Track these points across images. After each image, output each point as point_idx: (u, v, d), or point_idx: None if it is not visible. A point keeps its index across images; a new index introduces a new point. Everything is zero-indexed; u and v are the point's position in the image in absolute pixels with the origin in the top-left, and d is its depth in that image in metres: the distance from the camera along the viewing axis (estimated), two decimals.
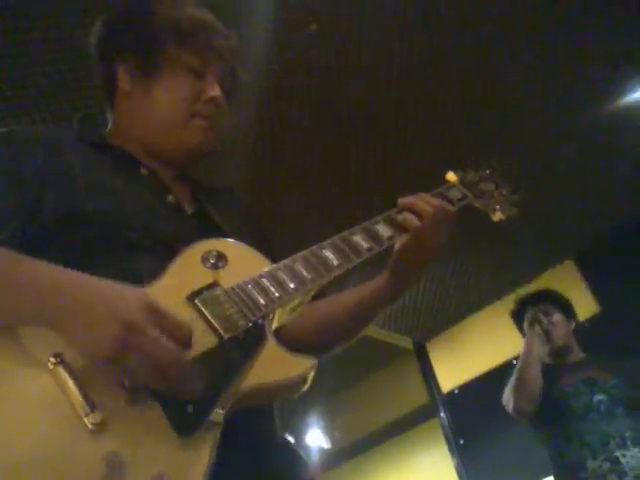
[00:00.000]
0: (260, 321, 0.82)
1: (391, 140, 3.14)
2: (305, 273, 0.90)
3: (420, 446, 5.34)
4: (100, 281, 0.72)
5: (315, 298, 1.09)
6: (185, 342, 0.71)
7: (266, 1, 2.39)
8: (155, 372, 0.67)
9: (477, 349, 4.65)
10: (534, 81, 3.00)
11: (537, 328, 2.67)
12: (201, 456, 0.69)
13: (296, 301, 0.91)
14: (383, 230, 1.03)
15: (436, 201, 1.06)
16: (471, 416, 4.36)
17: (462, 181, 1.23)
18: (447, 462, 4.67)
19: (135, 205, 0.94)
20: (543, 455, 2.61)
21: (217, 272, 0.85)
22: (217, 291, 0.82)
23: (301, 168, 3.18)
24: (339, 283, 1.05)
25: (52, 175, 0.90)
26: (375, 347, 4.65)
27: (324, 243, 0.97)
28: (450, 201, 1.15)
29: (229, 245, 0.92)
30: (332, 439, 5.64)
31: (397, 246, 1.05)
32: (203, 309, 0.79)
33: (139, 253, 0.88)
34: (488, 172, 1.29)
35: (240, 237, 0.96)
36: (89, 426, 0.65)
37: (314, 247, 0.95)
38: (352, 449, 5.67)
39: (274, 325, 0.87)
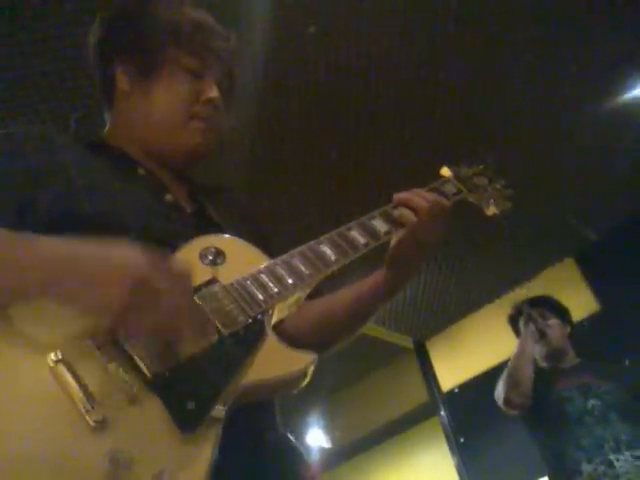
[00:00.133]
0: (259, 317, 0.83)
1: (389, 139, 3.14)
2: (303, 268, 0.90)
3: (420, 445, 5.35)
4: (102, 246, 0.72)
5: (311, 297, 1.09)
6: (189, 288, 0.73)
7: (264, 0, 2.39)
8: (170, 315, 0.68)
9: (477, 348, 4.65)
10: (534, 79, 3.00)
11: (531, 326, 2.71)
12: (203, 452, 0.70)
13: (295, 296, 0.92)
14: (380, 225, 1.03)
15: (431, 196, 1.06)
16: (471, 415, 4.36)
17: (456, 176, 1.23)
18: (447, 461, 4.68)
19: (133, 205, 0.94)
20: None
21: (216, 268, 0.86)
22: (216, 287, 0.83)
23: (299, 167, 3.18)
24: (338, 280, 1.05)
25: (47, 176, 0.90)
26: (375, 346, 4.65)
27: (321, 238, 0.97)
28: (445, 196, 1.15)
29: (227, 241, 0.93)
30: (332, 438, 5.64)
31: (394, 241, 1.06)
32: (202, 305, 0.79)
33: None
34: (482, 167, 1.29)
35: (238, 235, 0.96)
36: (91, 423, 0.66)
37: (311, 242, 0.96)
38: (352, 448, 5.67)
39: (273, 321, 0.88)
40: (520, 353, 2.63)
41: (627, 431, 2.39)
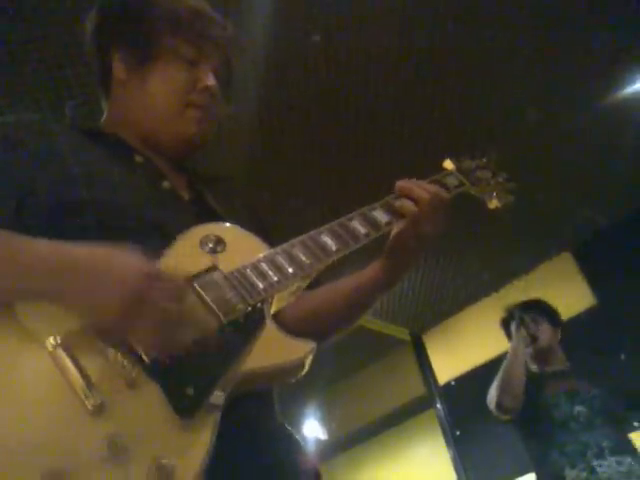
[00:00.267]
0: (259, 305, 0.83)
1: (390, 131, 3.13)
2: (304, 258, 0.90)
3: (416, 437, 5.37)
4: (103, 250, 0.74)
5: (311, 287, 1.09)
6: (184, 295, 0.75)
7: None
8: (167, 321, 0.71)
9: (474, 341, 4.66)
10: (533, 76, 3.00)
11: (523, 331, 2.76)
12: (201, 438, 0.70)
13: (294, 286, 0.92)
14: (380, 216, 1.03)
15: (433, 187, 1.06)
16: (467, 408, 4.37)
17: (459, 169, 1.23)
18: (443, 453, 4.70)
19: (130, 192, 0.94)
20: None
21: (216, 256, 0.85)
22: (216, 275, 0.83)
23: (300, 159, 3.17)
24: (338, 270, 1.05)
25: (44, 164, 0.90)
26: (372, 338, 4.67)
27: (322, 228, 0.97)
28: (447, 188, 1.15)
29: (227, 229, 0.92)
30: (329, 430, 5.66)
31: (394, 232, 1.06)
32: (202, 293, 0.79)
33: (136, 239, 0.88)
34: (485, 160, 1.29)
35: (238, 224, 0.96)
36: (89, 408, 0.66)
37: (312, 232, 0.96)
38: (349, 440, 5.69)
39: (272, 309, 0.88)
40: (513, 359, 2.67)
41: (612, 437, 2.44)
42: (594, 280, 4.22)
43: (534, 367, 2.78)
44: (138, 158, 1.04)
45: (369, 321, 4.52)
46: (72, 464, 0.62)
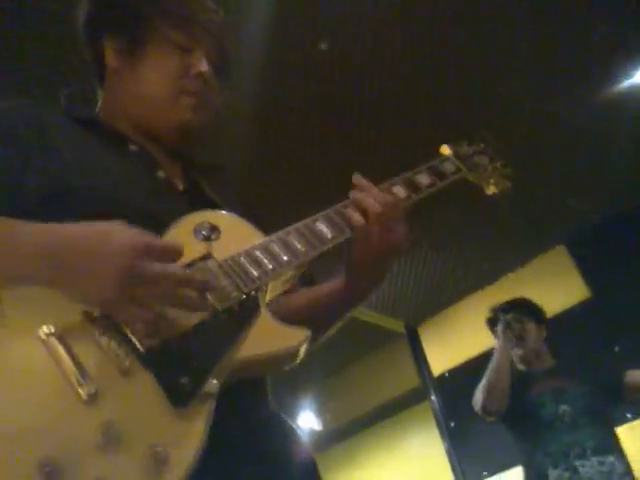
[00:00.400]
0: (254, 293, 0.82)
1: (390, 126, 3.13)
2: (299, 246, 0.90)
3: (411, 429, 5.39)
4: (94, 228, 0.74)
5: (306, 284, 1.09)
6: (178, 255, 0.74)
7: None
8: (165, 291, 0.71)
9: (468, 333, 4.67)
10: (531, 70, 2.99)
11: (509, 333, 2.78)
12: (196, 426, 0.70)
13: (289, 273, 0.91)
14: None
15: (387, 198, 0.97)
16: (462, 399, 4.35)
17: (456, 154, 1.22)
18: (437, 445, 4.72)
19: (124, 180, 0.93)
20: None
21: (210, 244, 0.85)
22: (210, 263, 0.82)
23: (298, 154, 3.17)
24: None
25: (36, 151, 0.89)
26: (367, 330, 4.68)
27: (317, 215, 0.96)
28: (443, 174, 1.14)
29: (222, 217, 0.92)
30: (324, 421, 5.68)
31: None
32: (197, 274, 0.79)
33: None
34: (482, 146, 1.28)
35: (234, 212, 0.96)
36: (83, 397, 0.66)
37: (308, 220, 0.95)
38: (343, 431, 5.72)
39: (267, 298, 0.87)
40: (499, 361, 2.71)
41: (595, 437, 2.48)
42: (588, 273, 4.23)
43: (521, 366, 2.82)
44: (132, 147, 1.03)
45: (364, 313, 4.53)
46: (66, 452, 0.62)
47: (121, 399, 0.68)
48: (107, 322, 0.72)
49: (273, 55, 2.61)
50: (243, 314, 0.80)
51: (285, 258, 0.87)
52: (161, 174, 1.01)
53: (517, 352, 2.80)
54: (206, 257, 0.83)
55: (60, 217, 0.84)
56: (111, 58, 1.06)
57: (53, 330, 0.68)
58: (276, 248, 0.88)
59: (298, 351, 0.83)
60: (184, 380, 0.70)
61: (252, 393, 0.89)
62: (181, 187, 1.04)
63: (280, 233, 0.91)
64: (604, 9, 2.75)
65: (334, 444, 5.77)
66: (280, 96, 2.84)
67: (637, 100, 3.24)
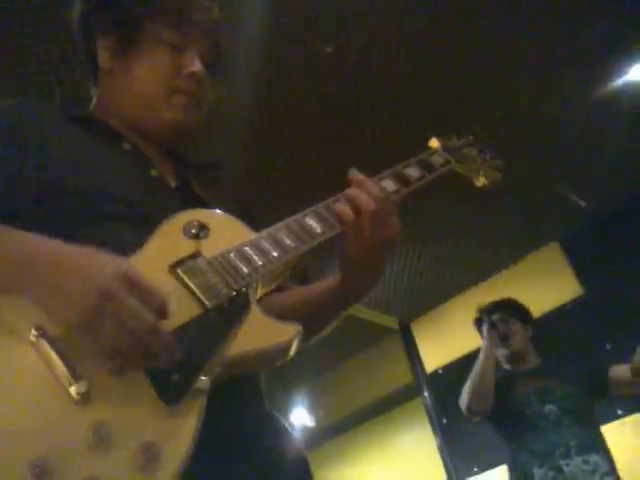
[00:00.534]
0: (244, 289, 0.82)
1: (387, 124, 3.12)
2: (288, 241, 0.89)
3: (403, 425, 5.41)
4: (77, 249, 0.72)
5: (300, 282, 1.08)
6: (161, 310, 0.70)
7: None
8: (130, 340, 0.67)
9: (461, 330, 4.68)
10: (525, 66, 3.00)
11: (494, 333, 2.82)
12: (188, 423, 0.70)
13: (280, 269, 0.91)
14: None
15: (381, 193, 0.95)
16: (454, 396, 4.37)
17: (444, 147, 1.22)
18: (430, 441, 4.74)
19: (117, 178, 0.93)
20: None
21: (199, 242, 0.85)
22: (199, 260, 0.82)
23: (294, 152, 3.17)
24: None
25: (33, 150, 0.89)
26: (360, 327, 4.68)
27: (307, 211, 0.95)
28: (432, 166, 1.14)
29: (211, 215, 0.92)
30: (316, 418, 5.69)
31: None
32: (186, 278, 0.79)
33: (121, 225, 0.87)
34: (471, 138, 1.29)
35: (225, 211, 0.95)
36: (74, 396, 0.65)
37: (297, 215, 0.94)
38: (336, 428, 5.74)
39: (259, 294, 0.87)
40: (484, 362, 2.73)
41: (579, 436, 2.51)
42: (581, 270, 4.26)
43: (506, 366, 2.85)
44: (126, 145, 1.03)
45: (357, 309, 4.53)
46: (57, 452, 0.62)
47: (112, 398, 0.68)
48: None
49: (269, 53, 2.60)
50: (233, 311, 0.80)
51: (275, 254, 0.87)
52: (154, 172, 1.01)
53: (502, 352, 2.83)
54: (195, 255, 0.83)
55: (53, 214, 0.84)
56: (104, 58, 1.07)
57: (42, 331, 0.68)
58: (266, 244, 0.88)
59: (290, 347, 0.83)
60: (175, 377, 0.70)
61: (245, 391, 0.89)
62: (173, 185, 1.04)
63: (270, 229, 0.91)
64: (598, 7, 2.75)
65: (327, 440, 5.79)
66: (276, 94, 2.83)
67: (631, 97, 3.25)
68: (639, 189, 3.92)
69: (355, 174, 0.98)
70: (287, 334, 0.82)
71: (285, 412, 5.38)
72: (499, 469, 3.94)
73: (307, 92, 2.86)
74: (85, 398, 0.66)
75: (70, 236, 0.74)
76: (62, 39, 2.27)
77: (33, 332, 0.67)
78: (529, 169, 3.46)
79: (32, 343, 0.67)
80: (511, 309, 2.96)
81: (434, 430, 4.70)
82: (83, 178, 0.89)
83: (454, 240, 4.16)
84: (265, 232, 0.90)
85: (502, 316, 2.88)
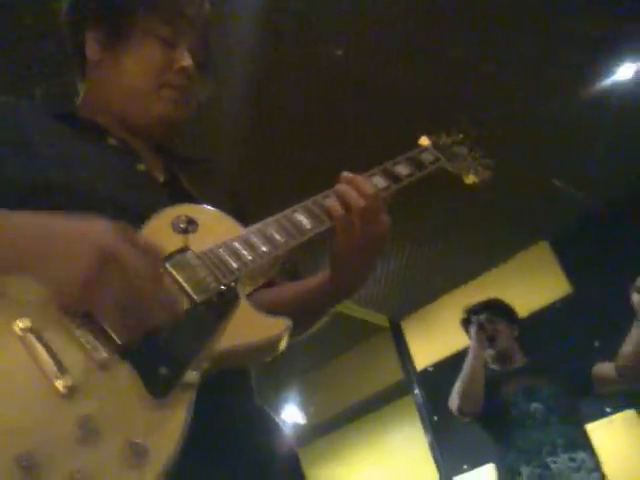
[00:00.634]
0: (233, 284, 0.82)
1: (382, 122, 3.13)
2: (278, 237, 0.89)
3: (394, 422, 5.43)
4: (66, 217, 0.72)
5: (291, 278, 1.08)
6: (157, 261, 0.72)
7: None
8: (135, 288, 0.68)
9: (452, 328, 4.67)
10: (513, 66, 3.01)
11: (481, 334, 2.83)
12: (176, 418, 0.69)
13: (269, 264, 0.91)
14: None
15: (371, 189, 0.94)
16: (445, 394, 4.38)
17: (435, 145, 1.22)
18: (420, 438, 4.76)
19: (102, 174, 0.92)
20: None
21: (187, 237, 0.84)
22: (188, 255, 0.82)
23: (288, 150, 3.18)
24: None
25: (15, 149, 0.88)
26: (352, 325, 4.69)
27: (296, 206, 0.95)
28: (421, 164, 1.14)
29: (200, 210, 0.91)
30: (308, 415, 5.70)
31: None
32: (174, 273, 0.79)
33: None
34: (461, 136, 1.29)
35: (214, 206, 0.95)
36: (61, 390, 0.65)
37: (286, 211, 0.94)
38: (327, 425, 5.74)
39: (249, 289, 0.87)
40: (473, 362, 2.74)
41: (566, 434, 2.53)
42: (570, 269, 4.28)
43: (494, 366, 2.87)
44: (111, 140, 1.02)
45: (348, 307, 4.54)
46: (44, 447, 0.61)
47: (99, 392, 0.67)
48: (84, 315, 0.71)
49: (263, 51, 2.60)
50: (222, 305, 0.80)
51: (264, 249, 0.87)
52: (141, 167, 1.00)
53: (489, 352, 2.85)
54: (184, 250, 0.83)
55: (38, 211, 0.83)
56: (93, 50, 1.05)
57: (29, 324, 0.67)
58: (255, 239, 0.88)
59: (279, 341, 0.82)
60: (163, 371, 0.70)
61: (235, 386, 0.89)
62: (162, 180, 1.03)
63: (259, 225, 0.91)
64: (586, 6, 2.77)
65: (318, 438, 5.79)
66: (269, 92, 2.83)
67: (619, 97, 3.27)
68: (628, 188, 3.95)
69: (345, 174, 0.97)
70: (276, 328, 0.82)
71: (277, 409, 5.38)
72: (489, 467, 3.96)
73: (300, 90, 2.86)
74: (71, 392, 0.65)
75: None
76: (47, 36, 2.25)
77: (19, 324, 0.67)
78: (518, 168, 3.48)
79: (19, 337, 0.67)
80: (497, 309, 2.98)
81: (425, 428, 4.72)
82: (68, 175, 0.88)
83: (444, 239, 4.17)
84: (254, 227, 0.90)
85: (489, 316, 2.90)
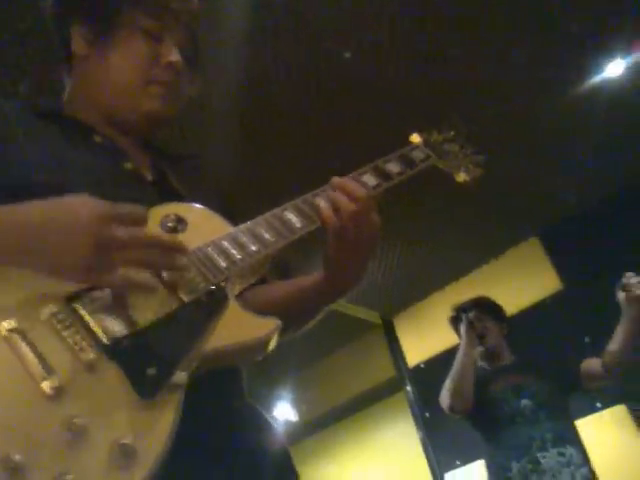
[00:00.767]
0: (222, 283, 0.82)
1: (378, 120, 3.12)
2: (267, 235, 0.89)
3: (386, 419, 5.44)
4: (53, 203, 0.73)
5: (281, 277, 1.08)
6: (143, 220, 0.75)
7: None
8: (136, 254, 0.72)
9: (443, 324, 4.67)
10: (503, 63, 3.01)
11: (471, 332, 2.84)
12: (164, 418, 0.69)
13: (259, 263, 0.91)
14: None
15: (360, 191, 0.94)
16: (436, 390, 4.39)
17: (426, 142, 1.22)
18: (413, 435, 4.77)
19: (87, 173, 0.91)
20: None
21: (176, 236, 0.84)
22: None
23: (282, 148, 3.17)
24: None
25: None
26: (343, 322, 4.69)
27: (287, 205, 0.95)
28: (412, 161, 1.14)
29: (189, 209, 0.91)
30: (299, 412, 5.70)
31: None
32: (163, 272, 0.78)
33: None
34: (453, 134, 1.29)
35: (203, 204, 0.94)
36: (47, 391, 0.64)
37: (276, 209, 0.94)
38: (319, 422, 5.75)
39: (238, 289, 0.87)
40: (464, 360, 2.75)
41: (555, 429, 2.55)
42: (560, 265, 4.30)
43: (483, 364, 2.89)
44: (97, 138, 1.00)
45: (340, 304, 4.54)
46: (30, 448, 0.61)
47: (86, 393, 0.67)
48: (70, 315, 0.70)
49: (256, 47, 2.59)
50: (211, 305, 0.79)
51: (254, 248, 0.87)
52: (128, 165, 0.99)
53: (479, 350, 2.87)
54: None
55: None
56: (79, 45, 1.04)
57: (15, 325, 0.67)
58: (244, 238, 0.87)
59: (268, 341, 0.82)
60: (151, 371, 0.69)
61: (226, 385, 0.89)
62: (150, 178, 1.02)
63: (248, 224, 0.90)
64: (575, 3, 2.77)
65: (310, 435, 5.80)
66: (263, 89, 2.82)
67: (609, 94, 3.28)
68: (618, 185, 3.97)
69: (335, 178, 0.97)
70: (266, 328, 0.82)
71: (268, 407, 5.38)
72: (481, 462, 3.97)
73: (295, 87, 2.85)
74: (58, 393, 0.64)
75: None
76: (33, 32, 2.23)
77: (5, 326, 0.66)
78: (508, 165, 3.48)
79: (4, 337, 0.66)
80: (485, 307, 2.99)
81: (417, 424, 4.73)
82: (50, 175, 0.86)
83: (435, 236, 4.18)
84: (244, 226, 0.90)
85: (477, 314, 2.92)
